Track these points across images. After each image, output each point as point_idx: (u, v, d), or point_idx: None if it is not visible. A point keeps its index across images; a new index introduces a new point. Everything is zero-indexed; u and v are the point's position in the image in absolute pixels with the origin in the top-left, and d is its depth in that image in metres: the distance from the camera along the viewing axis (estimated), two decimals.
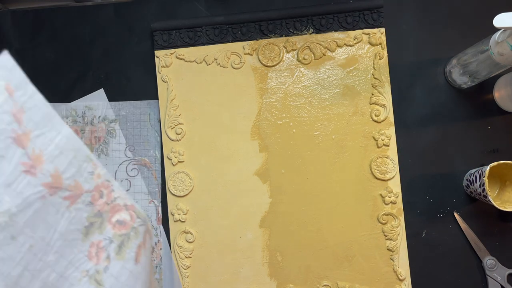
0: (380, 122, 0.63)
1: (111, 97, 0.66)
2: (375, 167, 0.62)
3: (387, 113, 0.63)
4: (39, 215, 0.32)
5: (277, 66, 0.64)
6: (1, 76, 0.31)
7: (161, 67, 0.65)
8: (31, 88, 0.32)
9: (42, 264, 0.33)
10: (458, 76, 0.61)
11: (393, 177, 0.62)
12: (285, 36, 0.65)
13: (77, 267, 0.35)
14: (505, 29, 0.48)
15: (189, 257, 0.63)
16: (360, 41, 0.64)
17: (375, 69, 0.63)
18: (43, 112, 0.33)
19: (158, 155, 0.65)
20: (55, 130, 0.33)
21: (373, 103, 0.63)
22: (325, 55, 0.64)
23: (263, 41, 0.64)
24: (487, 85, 0.62)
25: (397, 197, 0.62)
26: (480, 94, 0.63)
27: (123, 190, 0.39)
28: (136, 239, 0.38)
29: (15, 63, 0.32)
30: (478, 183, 0.56)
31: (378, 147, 0.63)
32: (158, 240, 0.64)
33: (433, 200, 0.62)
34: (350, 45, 0.64)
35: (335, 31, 0.64)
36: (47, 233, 0.33)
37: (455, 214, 0.62)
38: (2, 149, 0.30)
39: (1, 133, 0.30)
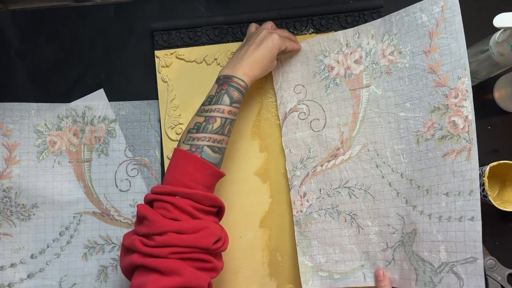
0: None
1: (111, 97, 0.66)
2: None
3: None
4: None
5: None
6: None
7: (161, 67, 0.65)
8: None
9: None
10: None
11: None
12: None
13: None
14: (505, 29, 0.48)
15: None
16: None
17: None
18: None
19: (158, 155, 0.65)
20: None
21: None
22: None
23: None
24: (487, 85, 0.62)
25: None
26: (480, 94, 0.63)
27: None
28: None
29: None
30: None
31: None
32: None
33: None
34: None
35: (335, 31, 0.64)
36: None
37: None
38: None
39: None
